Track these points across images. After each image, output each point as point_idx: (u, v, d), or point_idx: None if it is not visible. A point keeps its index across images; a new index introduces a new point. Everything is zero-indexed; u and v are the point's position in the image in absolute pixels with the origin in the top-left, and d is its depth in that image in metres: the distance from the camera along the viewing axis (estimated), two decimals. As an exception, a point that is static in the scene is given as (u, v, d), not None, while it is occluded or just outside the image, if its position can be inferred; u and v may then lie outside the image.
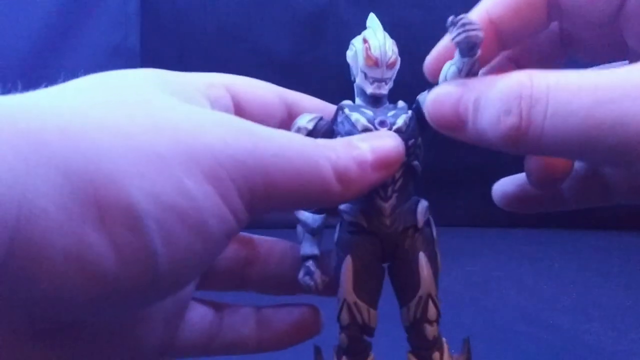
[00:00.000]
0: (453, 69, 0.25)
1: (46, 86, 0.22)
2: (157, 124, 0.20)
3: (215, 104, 0.25)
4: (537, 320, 0.50)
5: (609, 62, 0.30)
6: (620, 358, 0.44)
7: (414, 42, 0.73)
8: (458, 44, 0.23)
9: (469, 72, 0.24)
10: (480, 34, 0.23)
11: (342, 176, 0.23)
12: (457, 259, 0.66)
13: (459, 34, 0.23)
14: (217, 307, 0.29)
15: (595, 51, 0.29)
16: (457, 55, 0.24)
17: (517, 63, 0.29)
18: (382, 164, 0.24)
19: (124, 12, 0.76)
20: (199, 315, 0.28)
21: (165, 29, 0.77)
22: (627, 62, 0.29)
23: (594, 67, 0.30)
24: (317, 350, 0.28)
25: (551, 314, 0.51)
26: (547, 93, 0.21)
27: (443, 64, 0.25)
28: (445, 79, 0.25)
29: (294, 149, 0.22)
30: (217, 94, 0.26)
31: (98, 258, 0.18)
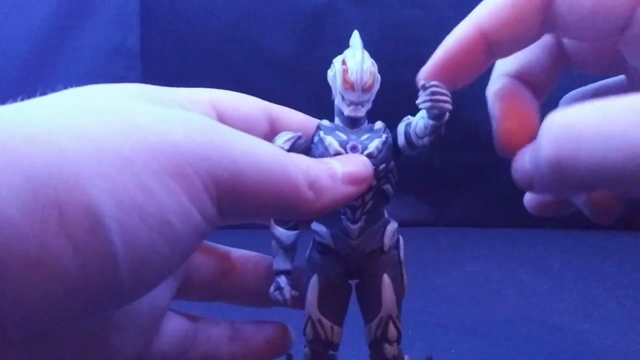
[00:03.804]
0: (421, 123, 0.26)
1: (44, 87, 0.23)
2: (123, 126, 0.20)
3: None
4: (537, 320, 0.50)
5: (605, 76, 0.30)
6: (620, 358, 0.44)
7: (413, 42, 0.73)
8: (424, 109, 0.24)
9: (434, 132, 0.25)
10: (448, 105, 0.24)
11: (313, 184, 0.23)
12: (457, 259, 0.66)
13: (424, 101, 0.24)
14: (193, 319, 0.30)
15: (591, 66, 0.29)
16: (426, 113, 0.25)
17: (519, 78, 0.29)
18: (352, 179, 0.25)
19: (124, 12, 0.76)
20: (174, 326, 0.29)
21: (165, 29, 0.77)
22: (623, 77, 0.29)
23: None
24: (289, 358, 0.29)
25: (551, 314, 0.51)
26: (578, 119, 0.21)
27: (440, 75, 0.26)
28: (415, 129, 0.26)
29: (264, 150, 0.23)
30: (200, 110, 0.26)
31: (59, 262, 0.18)
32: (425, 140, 0.26)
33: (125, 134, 0.20)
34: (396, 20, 0.73)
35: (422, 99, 0.24)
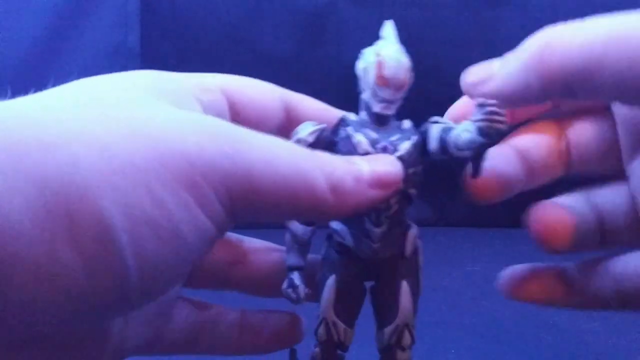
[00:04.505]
0: (467, 135, 0.24)
1: (42, 88, 0.22)
2: (134, 131, 0.20)
3: (208, 108, 0.25)
4: (537, 320, 0.50)
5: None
6: (620, 358, 0.44)
7: (413, 42, 0.73)
8: (477, 127, 0.23)
9: (479, 149, 0.24)
10: (504, 127, 0.23)
11: (336, 188, 0.22)
12: (457, 259, 0.66)
13: (481, 120, 0.23)
14: (203, 307, 0.29)
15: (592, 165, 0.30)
16: (474, 128, 0.24)
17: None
18: (380, 182, 0.23)
19: (124, 12, 0.76)
20: (183, 314, 0.29)
21: (165, 29, 0.77)
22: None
23: None
24: (293, 352, 0.28)
25: (551, 314, 0.51)
26: (569, 21, 0.23)
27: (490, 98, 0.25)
28: (457, 141, 0.24)
29: (281, 155, 0.22)
30: (212, 98, 0.25)
31: (68, 272, 0.18)
32: (467, 153, 0.24)
33: (136, 141, 0.19)
34: (396, 20, 0.73)
35: (478, 117, 0.23)
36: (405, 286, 0.26)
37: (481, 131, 0.23)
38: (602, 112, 0.29)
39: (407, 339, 0.26)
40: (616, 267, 0.28)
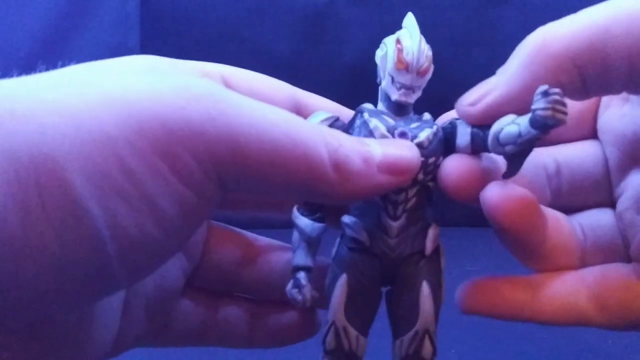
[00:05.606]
0: (514, 128, 0.22)
1: None
2: (110, 100, 0.19)
3: None
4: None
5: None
6: (620, 358, 0.44)
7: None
8: (536, 116, 0.21)
9: (528, 143, 0.22)
10: (566, 118, 0.21)
11: (340, 165, 0.21)
12: (457, 259, 0.65)
13: (545, 108, 0.21)
14: (214, 298, 0.29)
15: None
16: (527, 120, 0.22)
17: None
18: (391, 168, 0.22)
19: (124, 12, 0.76)
20: (191, 307, 0.28)
21: (165, 29, 0.77)
22: None
23: None
24: None
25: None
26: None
27: (494, 114, 0.23)
28: (499, 135, 0.23)
29: (273, 120, 0.20)
30: None
31: (44, 247, 0.18)
32: (509, 148, 0.22)
33: (110, 110, 0.19)
34: (396, 20, 0.73)
35: (541, 104, 0.21)
36: (425, 287, 0.24)
37: (538, 121, 0.21)
38: (589, 138, 0.28)
39: (427, 348, 0.24)
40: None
